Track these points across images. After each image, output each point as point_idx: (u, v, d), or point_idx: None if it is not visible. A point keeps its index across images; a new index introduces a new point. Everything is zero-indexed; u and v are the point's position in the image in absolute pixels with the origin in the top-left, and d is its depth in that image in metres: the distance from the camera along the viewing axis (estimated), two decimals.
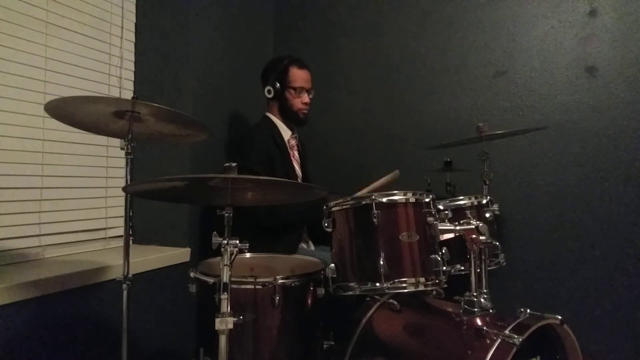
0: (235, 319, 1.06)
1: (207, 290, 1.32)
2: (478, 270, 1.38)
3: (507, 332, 1.20)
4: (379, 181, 1.93)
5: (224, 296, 1.05)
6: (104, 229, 1.90)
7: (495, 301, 1.39)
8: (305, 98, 2.07)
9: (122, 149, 1.30)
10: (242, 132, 2.35)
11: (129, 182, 1.31)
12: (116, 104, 1.27)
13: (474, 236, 1.35)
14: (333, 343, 1.43)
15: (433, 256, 1.32)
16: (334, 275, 1.36)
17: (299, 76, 2.05)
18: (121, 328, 1.29)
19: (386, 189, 1.80)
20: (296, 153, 2.17)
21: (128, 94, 2.00)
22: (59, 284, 1.42)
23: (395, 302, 1.54)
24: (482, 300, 1.36)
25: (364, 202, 1.33)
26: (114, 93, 1.96)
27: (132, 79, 2.06)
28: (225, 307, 1.05)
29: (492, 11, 2.29)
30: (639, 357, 2.00)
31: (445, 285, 1.34)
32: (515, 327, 1.22)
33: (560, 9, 2.17)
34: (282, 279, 1.30)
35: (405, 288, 1.29)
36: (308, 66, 2.10)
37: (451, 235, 1.41)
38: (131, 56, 2.06)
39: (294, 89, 2.04)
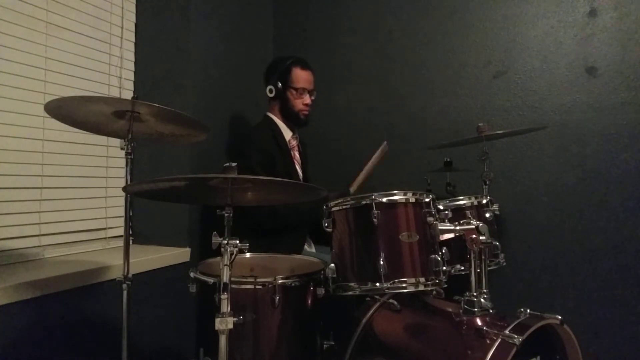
0: (235, 319, 1.06)
1: (207, 290, 1.32)
2: (478, 270, 1.38)
3: (507, 332, 1.20)
4: (371, 160, 1.92)
5: (224, 296, 1.05)
6: (104, 229, 1.90)
7: (495, 301, 1.39)
8: (307, 99, 2.05)
9: (122, 149, 1.30)
10: (242, 132, 2.35)
11: (129, 182, 1.31)
12: (116, 104, 1.27)
13: (474, 236, 1.35)
14: (333, 343, 1.43)
15: (433, 256, 1.32)
16: (334, 275, 1.36)
17: (301, 77, 2.03)
18: (121, 328, 1.29)
19: (379, 163, 1.79)
20: (297, 153, 2.16)
21: (128, 94, 2.00)
22: (59, 284, 1.42)
23: (395, 302, 1.54)
24: (482, 300, 1.36)
25: (364, 202, 1.33)
26: (114, 93, 1.96)
27: (132, 79, 2.06)
28: (225, 307, 1.05)
29: (492, 11, 2.29)
30: (639, 357, 1.99)
31: (445, 285, 1.34)
32: (515, 327, 1.22)
33: (560, 9, 2.17)
34: (282, 279, 1.30)
35: (405, 288, 1.29)
36: (311, 67, 2.09)
37: (451, 235, 1.41)
38: (131, 56, 2.06)
39: (296, 89, 2.02)
